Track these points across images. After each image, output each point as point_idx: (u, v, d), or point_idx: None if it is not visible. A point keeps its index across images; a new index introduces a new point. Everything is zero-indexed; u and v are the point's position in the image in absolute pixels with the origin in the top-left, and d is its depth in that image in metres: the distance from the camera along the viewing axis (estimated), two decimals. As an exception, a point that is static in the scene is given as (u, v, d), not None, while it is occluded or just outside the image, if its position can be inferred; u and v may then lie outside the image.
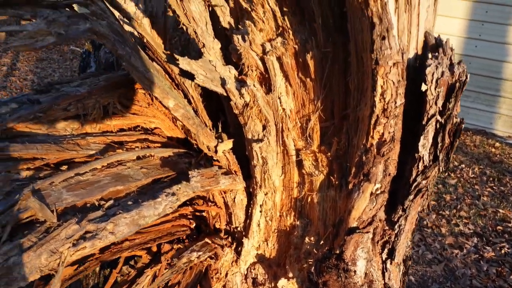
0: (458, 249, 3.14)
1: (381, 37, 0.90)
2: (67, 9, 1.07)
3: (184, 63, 1.18)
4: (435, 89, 0.95)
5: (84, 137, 1.24)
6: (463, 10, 4.86)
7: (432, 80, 0.93)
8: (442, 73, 0.93)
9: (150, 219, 1.14)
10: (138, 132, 1.41)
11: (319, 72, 1.17)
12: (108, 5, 1.14)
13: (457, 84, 0.96)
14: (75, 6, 1.14)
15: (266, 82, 1.27)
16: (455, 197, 3.85)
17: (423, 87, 0.97)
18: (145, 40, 1.27)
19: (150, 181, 1.27)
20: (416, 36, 0.99)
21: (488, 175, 4.24)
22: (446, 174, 4.08)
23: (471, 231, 3.40)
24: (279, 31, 1.20)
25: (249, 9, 1.19)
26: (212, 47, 1.28)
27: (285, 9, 1.16)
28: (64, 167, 1.19)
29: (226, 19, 1.29)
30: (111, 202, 1.15)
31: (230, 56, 1.34)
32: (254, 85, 1.23)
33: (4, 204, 1.00)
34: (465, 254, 3.09)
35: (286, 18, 1.17)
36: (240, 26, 1.29)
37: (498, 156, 4.65)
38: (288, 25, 1.17)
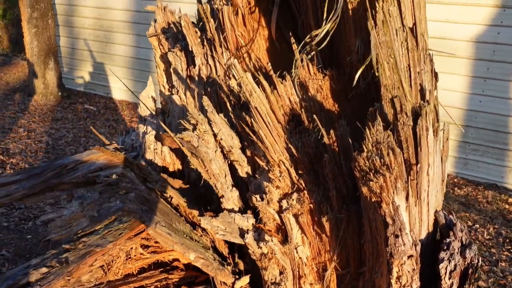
0: (479, 327, 3.02)
1: (394, 235, 0.95)
2: (98, 184, 1.16)
3: (205, 222, 1.24)
4: (449, 279, 0.98)
5: (108, 290, 1.29)
6: (465, 68, 5.01)
7: (445, 273, 0.97)
8: (455, 266, 0.97)
9: None
10: (157, 271, 1.46)
11: (334, 231, 1.22)
12: (137, 173, 1.23)
13: (470, 270, 0.99)
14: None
15: (282, 231, 1.33)
16: (471, 264, 3.74)
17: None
18: (167, 195, 1.35)
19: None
20: (427, 220, 1.04)
21: (504, 236, 4.14)
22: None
23: (492, 304, 3.29)
24: (295, 188, 1.26)
25: (266, 168, 1.27)
26: (231, 196, 1.35)
27: (300, 171, 1.23)
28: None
29: (243, 170, 1.37)
30: None
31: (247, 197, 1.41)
32: (272, 240, 1.28)
33: None
34: (487, 332, 2.96)
35: (301, 178, 1.24)
36: (257, 175, 1.37)
37: (512, 213, 4.57)
38: (303, 185, 1.24)
